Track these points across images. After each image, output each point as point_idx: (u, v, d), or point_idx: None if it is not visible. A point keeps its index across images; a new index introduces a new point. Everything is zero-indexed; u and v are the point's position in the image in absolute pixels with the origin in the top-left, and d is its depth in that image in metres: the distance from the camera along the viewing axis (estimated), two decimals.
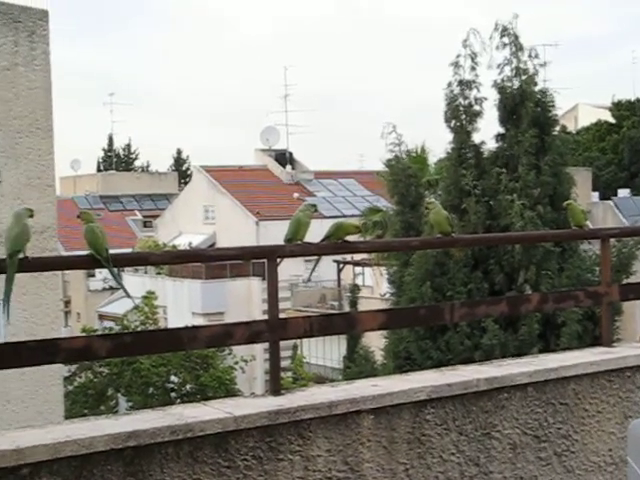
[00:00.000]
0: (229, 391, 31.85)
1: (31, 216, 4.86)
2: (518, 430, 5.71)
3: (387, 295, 16.90)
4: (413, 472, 5.29)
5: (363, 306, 29.07)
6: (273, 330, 5.20)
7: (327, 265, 39.04)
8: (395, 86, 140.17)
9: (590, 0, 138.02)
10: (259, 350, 33.83)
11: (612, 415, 6.14)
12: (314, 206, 5.62)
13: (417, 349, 14.23)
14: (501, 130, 15.70)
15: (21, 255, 4.63)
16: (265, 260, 5.29)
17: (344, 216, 42.14)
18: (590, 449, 6.03)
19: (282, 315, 5.38)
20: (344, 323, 6.13)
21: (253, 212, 45.42)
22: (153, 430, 4.51)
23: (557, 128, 16.39)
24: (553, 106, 15.60)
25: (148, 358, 30.83)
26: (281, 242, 5.50)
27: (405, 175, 16.04)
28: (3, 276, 4.62)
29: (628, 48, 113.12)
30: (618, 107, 64.81)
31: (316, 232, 5.90)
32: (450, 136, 15.50)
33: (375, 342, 17.09)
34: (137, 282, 39.91)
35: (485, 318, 12.58)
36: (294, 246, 5.40)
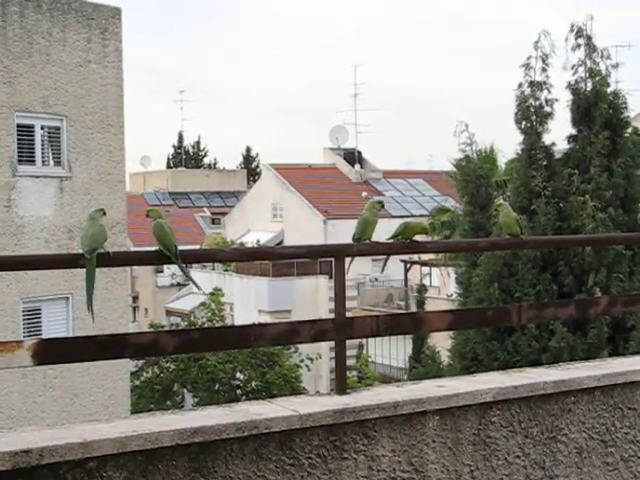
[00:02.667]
0: (294, 389, 31.99)
1: (104, 215, 4.94)
2: (585, 434, 5.66)
3: (454, 296, 16.82)
4: (478, 474, 5.27)
5: (430, 306, 29.03)
6: (339, 329, 5.21)
7: (394, 265, 38.99)
8: (464, 86, 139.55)
9: None
10: (325, 348, 33.90)
11: None
12: (380, 202, 5.62)
13: (484, 350, 14.13)
14: (573, 131, 15.53)
15: (101, 251, 4.70)
16: (332, 259, 5.32)
17: (412, 216, 42.07)
18: None
19: (349, 314, 5.40)
20: (411, 323, 6.13)
21: (321, 210, 45.54)
22: (218, 426, 4.55)
23: (629, 130, 16.17)
24: (625, 108, 15.39)
25: (214, 355, 31.10)
26: (348, 241, 5.51)
27: (475, 175, 15.95)
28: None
29: None
30: None
31: (384, 231, 5.92)
32: (520, 137, 15.38)
33: (441, 343, 17.05)
34: (204, 278, 40.26)
35: (553, 320, 12.45)
36: (362, 245, 5.41)
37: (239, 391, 33.56)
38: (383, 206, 5.63)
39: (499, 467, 5.34)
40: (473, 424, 5.26)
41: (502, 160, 22.29)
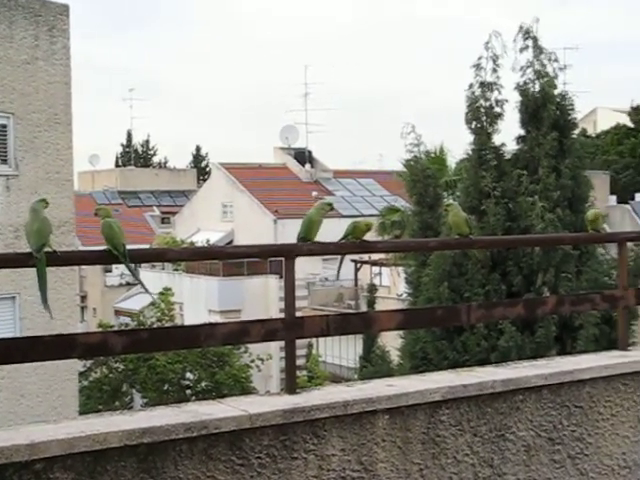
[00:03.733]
0: (244, 389, 31.92)
1: (46, 206, 4.87)
2: (532, 432, 5.71)
3: (404, 295, 16.88)
4: (427, 472, 5.29)
5: (380, 306, 29.10)
6: (289, 328, 5.21)
7: (345, 264, 39.03)
8: (416, 87, 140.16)
9: (609, 6, 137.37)
10: (275, 348, 33.87)
11: (626, 419, 6.13)
12: (329, 204, 5.62)
13: (433, 349, 14.21)
14: (522, 132, 15.66)
15: (48, 249, 4.65)
16: (283, 258, 5.31)
17: (362, 215, 42.11)
18: (604, 452, 6.02)
19: (299, 314, 5.40)
20: (361, 322, 6.14)
21: (271, 210, 45.46)
22: (167, 427, 4.53)
23: (577, 131, 16.34)
24: (573, 109, 15.55)
25: (164, 355, 30.92)
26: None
27: (424, 175, 16.02)
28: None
29: None
30: (637, 111, 64.66)
31: (335, 231, 5.92)
32: (470, 137, 15.47)
33: (391, 342, 17.10)
34: (154, 278, 40.02)
35: (502, 320, 12.56)
36: (312, 245, 5.41)
37: (189, 391, 33.40)
38: (332, 207, 5.63)
39: (448, 465, 5.37)
40: (422, 423, 5.29)
41: (452, 160, 22.44)
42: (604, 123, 67.30)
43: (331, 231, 5.67)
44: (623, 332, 6.79)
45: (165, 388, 32.88)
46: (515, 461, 5.64)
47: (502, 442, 5.59)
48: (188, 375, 33.51)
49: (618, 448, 6.09)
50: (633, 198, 45.81)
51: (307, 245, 5.39)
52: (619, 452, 6.09)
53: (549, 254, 14.09)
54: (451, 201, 6.26)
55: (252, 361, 33.85)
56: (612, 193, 44.84)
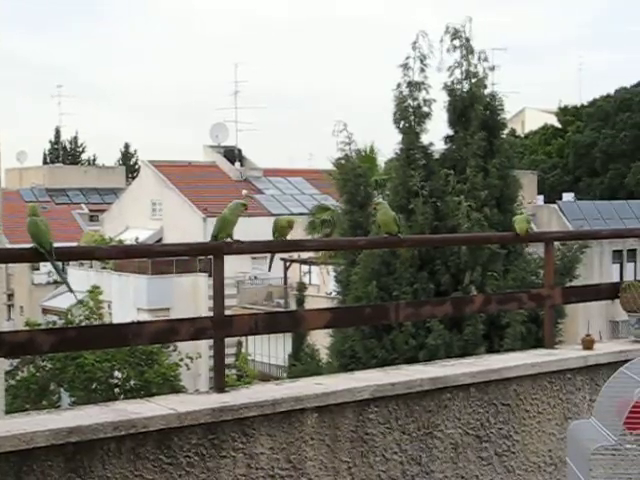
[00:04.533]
0: (173, 388, 31.73)
1: None
2: (460, 430, 5.76)
3: (333, 294, 16.91)
4: (356, 470, 5.31)
5: (309, 304, 29.15)
6: (218, 327, 5.19)
7: (274, 263, 39.02)
8: (346, 86, 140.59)
9: (540, 8, 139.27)
10: (204, 347, 33.72)
11: (552, 416, 6.22)
12: (244, 205, 5.60)
13: (362, 348, 14.25)
14: (450, 132, 15.77)
15: None
16: (212, 257, 5.29)
17: (292, 214, 42.15)
18: (530, 449, 6.10)
19: (228, 312, 5.38)
20: (290, 321, 6.14)
21: (201, 208, 45.25)
22: (95, 426, 4.48)
23: (505, 131, 16.51)
24: (502, 109, 15.71)
25: (92, 353, 30.62)
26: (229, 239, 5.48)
27: (354, 174, 16.05)
28: None
29: (575, 54, 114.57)
30: (564, 112, 65.80)
31: (265, 230, 5.91)
32: (399, 137, 15.54)
33: (320, 340, 17.12)
34: (82, 276, 39.59)
35: (430, 318, 12.64)
36: (241, 243, 5.39)
37: (117, 390, 33.12)
38: (246, 207, 5.60)
39: (376, 463, 5.39)
40: (351, 421, 5.30)
41: (382, 159, 22.53)
42: (532, 123, 68.30)
43: (261, 229, 5.66)
44: (549, 330, 6.88)
45: (93, 387, 32.57)
46: (443, 459, 5.68)
47: (430, 440, 5.63)
48: (116, 374, 33.23)
49: (544, 445, 6.18)
50: (560, 198, 46.50)
51: (236, 243, 5.37)
52: (545, 449, 6.18)
53: (476, 253, 14.23)
54: (380, 200, 6.28)
55: (181, 360, 33.68)
56: (540, 193, 45.46)
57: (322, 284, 32.77)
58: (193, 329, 5.21)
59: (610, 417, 3.21)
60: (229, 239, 5.35)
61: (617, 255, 38.95)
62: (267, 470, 4.98)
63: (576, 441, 3.26)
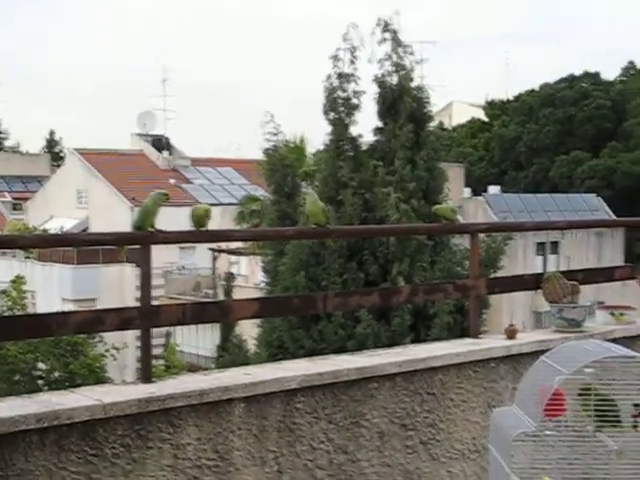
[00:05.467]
0: (99, 379, 31.41)
1: None
2: (386, 419, 5.81)
3: (262, 284, 16.92)
4: (283, 460, 5.33)
5: (238, 295, 29.07)
6: (145, 317, 5.16)
7: (202, 253, 38.87)
8: (277, 78, 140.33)
9: (471, 3, 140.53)
10: (131, 338, 33.46)
11: (476, 404, 6.31)
12: (166, 194, 5.58)
13: (290, 338, 14.31)
14: (379, 124, 15.89)
15: None
16: (139, 246, 5.26)
17: (221, 204, 42.02)
18: (455, 437, 6.18)
19: (156, 302, 5.35)
20: (217, 311, 6.13)
21: (128, 197, 44.84)
22: (18, 417, 4.42)
23: (432, 124, 16.69)
24: (429, 102, 15.89)
25: (15, 344, 30.17)
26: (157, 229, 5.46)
27: (282, 165, 16.09)
28: None
29: (502, 50, 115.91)
30: (491, 106, 66.62)
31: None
32: (329, 128, 15.61)
33: (249, 331, 17.12)
34: (5, 266, 38.99)
35: (357, 309, 12.73)
36: (169, 233, 5.37)
37: (41, 382, 32.69)
38: (168, 197, 5.58)
39: (303, 453, 5.42)
40: (278, 411, 5.32)
41: (311, 151, 22.59)
42: (460, 117, 68.98)
43: (189, 219, 5.62)
44: (474, 320, 6.97)
45: (16, 379, 32.09)
46: (369, 447, 5.73)
47: (357, 429, 5.67)
48: (40, 365, 32.80)
49: (468, 433, 6.26)
50: (486, 190, 47.04)
51: (163, 233, 5.34)
52: (469, 437, 6.26)
53: (404, 244, 14.37)
54: (309, 190, 6.30)
55: (107, 350, 33.36)
56: (467, 185, 45.92)
57: (251, 275, 32.75)
58: (119, 319, 5.17)
59: (531, 405, 3.28)
60: (151, 229, 5.32)
61: (540, 247, 39.59)
62: (194, 460, 4.97)
63: (498, 428, 3.32)
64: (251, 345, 16.98)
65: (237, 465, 5.14)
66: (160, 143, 52.53)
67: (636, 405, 3.37)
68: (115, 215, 43.81)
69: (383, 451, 5.80)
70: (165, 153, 52.01)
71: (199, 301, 19.45)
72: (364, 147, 15.86)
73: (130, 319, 5.20)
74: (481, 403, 6.34)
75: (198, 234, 5.64)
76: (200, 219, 5.53)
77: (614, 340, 6.62)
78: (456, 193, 34.05)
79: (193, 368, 32.49)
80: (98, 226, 44.16)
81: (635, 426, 3.33)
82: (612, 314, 7.51)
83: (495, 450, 3.29)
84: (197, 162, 52.74)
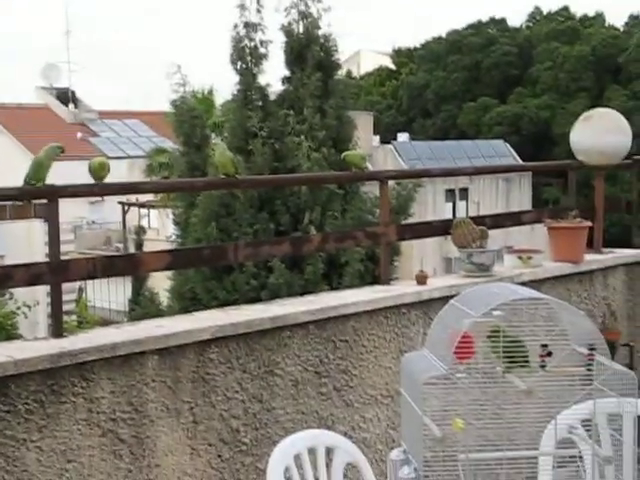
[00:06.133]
0: (10, 337, 30.97)
1: None
2: (300, 367, 5.86)
3: (173, 237, 16.80)
4: (198, 410, 5.35)
5: (149, 248, 28.81)
6: (54, 272, 5.11)
7: (112, 207, 38.41)
8: (182, 27, 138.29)
9: None
10: (42, 295, 32.99)
11: (388, 350, 6.40)
12: (60, 148, 5.50)
13: (203, 290, 14.27)
14: (287, 73, 15.81)
15: None
16: (46, 200, 5.19)
17: (129, 157, 41.52)
18: (368, 383, 6.26)
19: (66, 258, 5.29)
20: (128, 264, 6.09)
21: (34, 152, 43.95)
22: None
23: (341, 72, 16.65)
24: (337, 51, 15.83)
25: None
26: (64, 182, 5.38)
27: (190, 116, 15.90)
28: None
29: None
30: (398, 54, 66.75)
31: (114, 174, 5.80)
32: (237, 78, 15.46)
33: (161, 284, 17.02)
34: None
35: (269, 258, 12.75)
36: (77, 186, 5.30)
37: None
38: (63, 150, 5.49)
39: (218, 402, 5.45)
40: (192, 362, 5.33)
41: (221, 102, 22.38)
42: (367, 65, 69.01)
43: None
44: (385, 267, 7.04)
45: None
46: (284, 395, 5.78)
47: (271, 378, 5.71)
48: None
49: (381, 379, 6.35)
50: (395, 138, 47.27)
51: (71, 186, 5.27)
52: (382, 382, 6.35)
53: (315, 193, 14.39)
54: (218, 141, 6.25)
55: (18, 308, 32.88)
56: (376, 134, 46.09)
57: (161, 227, 32.48)
58: (28, 275, 5.11)
59: (441, 348, 3.33)
60: (41, 184, 5.25)
61: (450, 194, 40.06)
62: (108, 414, 4.96)
63: (409, 372, 3.37)
64: (164, 298, 16.89)
65: (152, 417, 5.14)
66: (65, 96, 51.49)
67: (543, 346, 3.44)
68: (21, 170, 42.89)
69: (297, 399, 5.86)
70: (71, 106, 51.02)
71: (109, 255, 19.25)
72: (273, 97, 15.78)
73: (39, 274, 5.14)
74: (393, 349, 6.43)
75: (106, 187, 5.58)
76: (96, 172, 5.46)
77: (523, 283, 6.77)
78: (365, 141, 34.15)
79: (106, 323, 32.23)
80: (3, 181, 43.20)
81: (543, 366, 3.41)
82: (520, 258, 7.66)
83: (407, 394, 3.34)
84: (104, 115, 51.87)
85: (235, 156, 6.21)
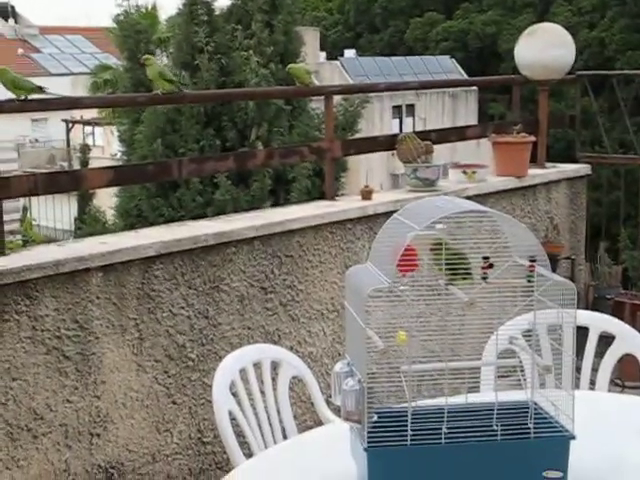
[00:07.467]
0: None
1: None
2: (245, 282, 5.87)
3: (118, 155, 16.60)
4: (143, 327, 5.35)
5: (94, 166, 28.47)
6: None
7: (56, 125, 37.86)
8: None
9: None
10: None
11: (334, 265, 6.43)
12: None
13: (149, 207, 14.15)
14: None
15: None
16: None
17: (72, 74, 40.79)
18: (313, 298, 6.30)
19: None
20: (70, 180, 6.01)
21: None
22: None
23: None
24: None
25: None
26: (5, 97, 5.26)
27: (134, 31, 15.60)
28: None
29: None
30: None
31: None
32: None
33: (107, 202, 16.88)
34: None
35: (213, 174, 12.67)
36: (13, 102, 5.19)
37: None
38: None
39: (164, 319, 5.45)
40: (137, 279, 5.31)
41: (165, 17, 21.99)
42: None
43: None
44: (330, 182, 7.03)
45: None
46: (229, 311, 5.79)
47: (216, 293, 5.72)
48: None
49: (327, 293, 6.39)
50: (342, 55, 46.93)
51: (7, 102, 5.16)
52: (328, 297, 6.40)
53: (262, 109, 14.26)
54: (147, 55, 6.09)
55: None
56: (322, 50, 45.71)
57: (107, 145, 32.13)
58: None
59: (384, 262, 3.34)
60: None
61: (397, 110, 39.98)
62: (53, 331, 4.94)
63: (353, 286, 3.38)
64: (110, 216, 16.76)
65: (97, 334, 5.13)
66: (5, 11, 50.32)
67: (485, 258, 3.47)
68: None
69: (244, 314, 5.88)
70: (11, 21, 49.89)
71: (51, 171, 19.03)
72: (219, 12, 15.52)
73: None
74: (338, 264, 6.46)
75: (47, 102, 5.47)
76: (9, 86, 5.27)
77: (467, 198, 6.80)
78: (312, 58, 33.88)
79: (52, 242, 31.96)
80: None
81: (484, 278, 3.44)
82: (465, 172, 7.69)
83: (351, 307, 3.36)
84: (46, 30, 50.86)
85: (181, 71, 6.12)
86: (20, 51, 45.28)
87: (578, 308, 3.24)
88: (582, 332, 4.38)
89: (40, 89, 5.25)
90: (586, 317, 4.61)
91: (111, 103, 9.73)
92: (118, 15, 15.87)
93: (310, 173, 14.04)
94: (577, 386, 3.48)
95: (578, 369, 4.24)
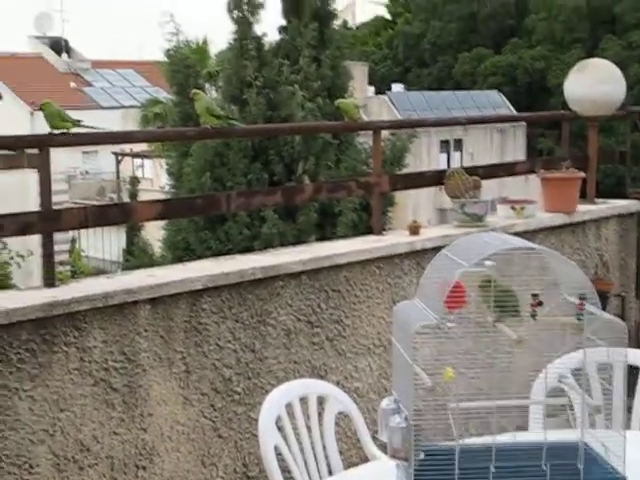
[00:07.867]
0: (4, 287, 30.97)
1: None
2: (292, 317, 5.87)
3: (167, 187, 16.74)
4: (190, 360, 5.36)
5: (143, 199, 28.74)
6: (46, 221, 5.09)
7: (106, 157, 38.26)
8: None
9: None
10: (37, 245, 32.97)
11: (381, 300, 6.40)
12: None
13: (196, 240, 14.25)
14: (283, 22, 15.70)
15: None
16: (37, 150, 5.16)
17: (123, 107, 41.29)
18: (360, 333, 6.28)
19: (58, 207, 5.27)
20: (120, 213, 6.07)
21: (27, 102, 43.70)
22: None
23: (337, 22, 16.52)
24: (333, 0, 15.72)
25: None
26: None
27: (184, 65, 15.80)
28: None
29: None
30: (394, 3, 66.21)
31: (98, 123, 5.74)
32: (233, 27, 15.35)
33: (155, 234, 17.01)
34: None
35: (261, 208, 12.72)
36: (66, 136, 5.26)
37: None
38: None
39: (211, 352, 5.46)
40: (184, 312, 5.33)
41: (215, 51, 22.21)
42: (363, 15, 68.55)
43: (91, 123, 5.47)
44: (377, 217, 7.03)
45: None
46: (276, 345, 5.79)
47: (263, 327, 5.72)
48: None
49: (373, 329, 6.37)
50: (390, 89, 47.02)
51: (60, 136, 5.23)
52: (374, 332, 6.37)
53: (309, 143, 14.33)
54: (197, 90, 6.14)
55: (11, 258, 32.89)
56: (370, 84, 45.83)
57: (155, 178, 32.40)
58: (19, 224, 5.09)
59: (432, 298, 3.32)
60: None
61: (444, 145, 39.94)
62: (101, 363, 4.97)
63: (401, 322, 3.37)
64: (157, 249, 16.88)
65: (144, 366, 5.15)
66: (59, 46, 51.08)
67: (534, 295, 3.44)
68: (15, 120, 42.73)
69: (290, 348, 5.87)
70: (64, 56, 50.62)
71: (101, 204, 19.21)
72: (268, 47, 15.68)
73: (31, 223, 5.12)
74: (386, 299, 6.44)
75: (96, 136, 5.54)
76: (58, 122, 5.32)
77: (515, 234, 6.75)
78: (361, 92, 33.99)
79: (100, 273, 32.22)
80: None
81: (533, 315, 3.41)
82: (513, 208, 7.64)
83: (396, 341, 3.34)
84: (97, 64, 51.50)
85: (230, 105, 6.17)
86: (73, 85, 45.89)
87: (629, 347, 3.19)
88: (633, 371, 4.31)
89: (77, 123, 5.32)
90: (637, 356, 4.55)
91: (161, 137, 9.83)
92: (168, 49, 16.06)
93: (356, 207, 14.05)
94: (628, 426, 3.43)
95: (629, 409, 4.18)
